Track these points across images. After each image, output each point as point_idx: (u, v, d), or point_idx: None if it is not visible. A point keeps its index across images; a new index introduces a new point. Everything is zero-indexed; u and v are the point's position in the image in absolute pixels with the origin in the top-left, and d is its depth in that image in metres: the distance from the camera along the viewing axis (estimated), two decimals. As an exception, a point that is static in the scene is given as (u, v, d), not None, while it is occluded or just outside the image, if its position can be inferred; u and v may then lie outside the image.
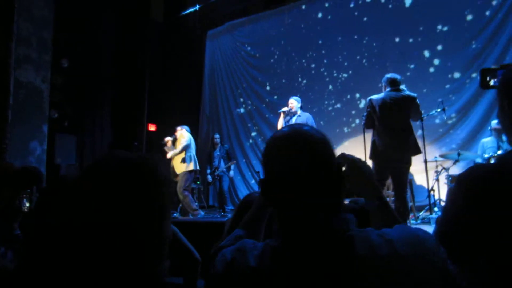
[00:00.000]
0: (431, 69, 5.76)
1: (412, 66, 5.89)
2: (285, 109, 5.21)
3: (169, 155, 5.69)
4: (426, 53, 5.80)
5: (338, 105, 6.70)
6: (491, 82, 1.12)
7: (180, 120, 5.82)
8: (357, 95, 6.44)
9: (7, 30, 4.39)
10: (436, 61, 5.72)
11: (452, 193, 0.99)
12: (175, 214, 5.55)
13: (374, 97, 3.70)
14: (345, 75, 6.66)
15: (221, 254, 0.81)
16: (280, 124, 5.26)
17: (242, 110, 7.98)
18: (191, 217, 5.45)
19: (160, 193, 0.70)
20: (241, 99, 8.01)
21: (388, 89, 3.69)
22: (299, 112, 5.20)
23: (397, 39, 6.08)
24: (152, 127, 7.75)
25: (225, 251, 0.82)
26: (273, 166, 0.80)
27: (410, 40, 5.95)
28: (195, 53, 8.35)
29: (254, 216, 1.08)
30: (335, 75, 6.78)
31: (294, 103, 5.24)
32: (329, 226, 0.73)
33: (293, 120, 5.11)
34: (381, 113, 3.61)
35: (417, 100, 3.65)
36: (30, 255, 0.77)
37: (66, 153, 6.03)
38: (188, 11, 7.91)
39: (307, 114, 5.19)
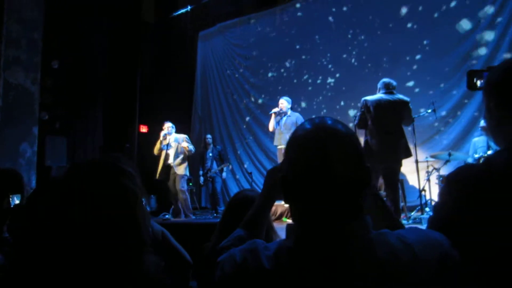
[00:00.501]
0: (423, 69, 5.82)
1: (403, 66, 5.96)
2: (275, 110, 5.31)
3: (171, 153, 5.46)
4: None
5: (329, 105, 6.74)
6: (478, 84, 1.14)
7: (172, 121, 5.78)
8: (347, 95, 6.48)
9: (-4, 32, 4.34)
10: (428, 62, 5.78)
11: (441, 193, 1.00)
12: (167, 216, 5.52)
13: (369, 97, 3.75)
14: (337, 75, 6.70)
15: (229, 255, 0.77)
16: (272, 124, 5.36)
17: (234, 110, 7.98)
18: (183, 218, 5.43)
19: (124, 183, 0.79)
20: (233, 100, 8.01)
21: (382, 91, 3.75)
22: (289, 112, 5.29)
23: (389, 43, 6.12)
24: (143, 129, 7.71)
25: (233, 252, 0.77)
26: (295, 164, 0.76)
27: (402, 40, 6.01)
28: (187, 54, 8.33)
29: (256, 216, 1.05)
30: (328, 74, 6.82)
31: (284, 103, 5.33)
32: (350, 228, 0.71)
33: (283, 121, 5.24)
34: (375, 114, 3.65)
35: (409, 105, 3.73)
36: (19, 255, 0.78)
37: (56, 155, 5.97)
38: (179, 12, 7.89)
39: (296, 114, 5.29)
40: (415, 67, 5.87)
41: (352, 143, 0.75)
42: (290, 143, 0.79)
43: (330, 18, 6.81)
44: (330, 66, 6.81)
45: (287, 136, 4.80)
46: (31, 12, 4.96)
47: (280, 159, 5.05)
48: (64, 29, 6.16)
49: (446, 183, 0.99)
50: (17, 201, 1.63)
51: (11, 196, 1.61)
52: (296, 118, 5.22)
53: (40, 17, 5.09)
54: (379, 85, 3.83)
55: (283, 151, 4.83)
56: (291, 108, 5.41)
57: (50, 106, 5.83)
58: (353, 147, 0.75)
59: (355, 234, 0.70)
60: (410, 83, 5.83)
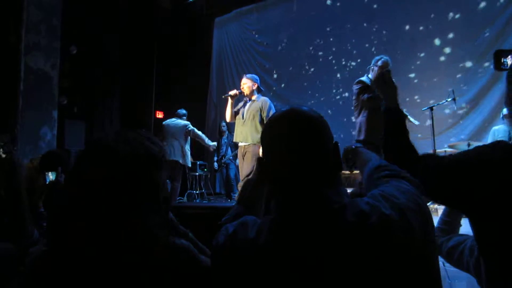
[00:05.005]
0: (442, 58, 5.67)
1: (422, 54, 5.81)
2: (233, 92, 4.12)
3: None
4: (437, 41, 5.71)
5: (346, 94, 6.65)
6: (510, 61, 1.09)
7: (187, 107, 5.81)
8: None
9: (17, 17, 4.42)
10: (447, 50, 5.63)
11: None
12: (181, 200, 5.61)
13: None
14: (353, 63, 6.59)
15: (224, 228, 0.86)
16: (228, 113, 4.18)
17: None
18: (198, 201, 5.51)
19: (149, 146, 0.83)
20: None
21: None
22: (254, 96, 4.04)
23: (407, 27, 5.98)
24: (159, 114, 7.79)
25: (228, 225, 0.86)
26: (270, 144, 0.84)
27: (421, 28, 5.85)
28: (203, 40, 8.31)
29: (252, 193, 1.11)
30: (343, 63, 6.71)
31: (248, 83, 4.06)
32: (322, 197, 0.76)
33: (247, 108, 4.04)
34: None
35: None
36: (54, 228, 0.82)
37: (75, 138, 6.10)
38: (195, -2, 7.85)
39: (263, 99, 4.05)
40: (436, 53, 5.71)
41: (318, 124, 0.82)
42: (265, 126, 0.88)
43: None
44: (343, 58, 6.69)
45: (252, 130, 3.93)
46: (50, -2, 5.02)
47: (248, 158, 3.95)
48: (82, 15, 6.22)
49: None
50: (52, 178, 1.70)
51: (46, 173, 1.69)
52: (262, 104, 3.99)
53: (58, 3, 5.14)
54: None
55: (251, 148, 3.92)
56: (258, 91, 4.13)
57: (68, 90, 5.93)
58: (318, 127, 0.82)
59: (328, 201, 0.75)
60: (429, 72, 5.70)
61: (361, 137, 3.51)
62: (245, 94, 4.07)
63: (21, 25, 4.37)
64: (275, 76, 7.66)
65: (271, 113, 4.01)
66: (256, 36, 7.93)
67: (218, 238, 0.84)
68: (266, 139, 0.86)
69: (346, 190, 0.81)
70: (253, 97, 4.05)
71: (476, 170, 0.93)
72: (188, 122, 5.45)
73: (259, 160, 0.87)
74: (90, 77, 6.55)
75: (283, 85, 7.45)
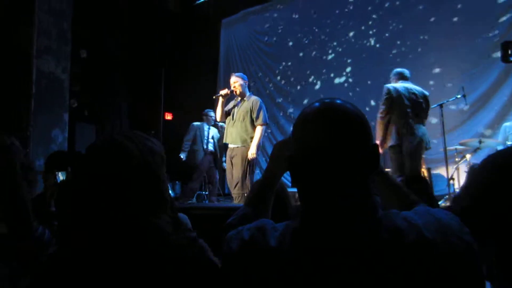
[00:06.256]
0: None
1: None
2: (223, 92, 3.93)
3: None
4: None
5: (350, 94, 6.62)
6: None
7: (196, 108, 5.85)
8: (368, 82, 6.33)
9: (29, 22, 4.50)
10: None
11: (472, 175, 0.98)
12: (192, 200, 5.64)
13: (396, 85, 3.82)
14: (361, 61, 6.56)
15: (237, 232, 0.77)
16: (219, 113, 4.00)
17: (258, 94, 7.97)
18: (207, 202, 5.53)
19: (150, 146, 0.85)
20: (256, 87, 7.99)
21: (402, 81, 3.89)
22: (246, 95, 3.94)
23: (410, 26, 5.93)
24: (168, 116, 7.85)
25: (241, 229, 0.78)
26: (302, 142, 0.75)
27: (432, 19, 5.79)
28: (211, 41, 8.35)
29: (261, 192, 1.03)
30: (349, 61, 6.68)
31: (238, 81, 3.91)
32: (357, 209, 0.69)
33: (238, 108, 3.91)
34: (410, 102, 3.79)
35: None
36: (64, 227, 0.83)
37: (86, 141, 6.17)
38: (202, 0, 7.89)
39: (253, 99, 3.93)
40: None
41: (359, 121, 0.73)
42: (297, 122, 0.78)
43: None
44: (356, 46, 6.64)
45: (242, 132, 3.83)
46: (61, 3, 5.10)
47: (238, 163, 3.84)
48: (91, 18, 6.30)
49: (481, 165, 0.95)
50: (62, 177, 1.73)
51: (57, 172, 1.71)
52: (252, 104, 3.85)
53: (69, 8, 5.23)
54: (393, 76, 4.04)
55: (240, 151, 3.83)
56: (249, 88, 4.04)
57: (78, 94, 6.01)
58: (360, 125, 0.73)
59: (361, 214, 0.68)
60: (437, 70, 5.63)
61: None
62: (236, 93, 3.93)
63: (33, 29, 4.45)
64: (282, 76, 7.64)
65: (261, 114, 3.87)
66: (263, 36, 7.94)
67: (230, 244, 0.76)
68: (298, 135, 0.76)
69: (379, 199, 0.74)
70: (245, 96, 3.94)
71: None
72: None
73: (288, 157, 0.77)
74: (99, 81, 6.63)
75: (290, 86, 7.43)
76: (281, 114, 7.47)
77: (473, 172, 0.99)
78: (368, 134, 0.74)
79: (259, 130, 3.90)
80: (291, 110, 7.30)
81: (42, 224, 1.53)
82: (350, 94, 6.60)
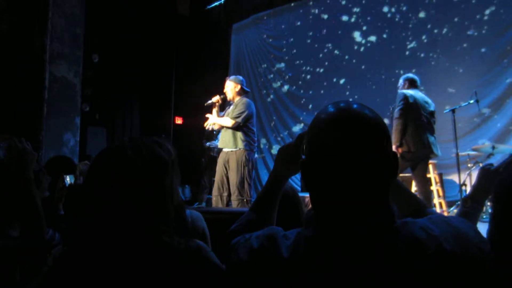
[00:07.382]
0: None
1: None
2: (215, 99, 3.98)
3: None
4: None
5: (356, 96, 6.57)
6: None
7: (206, 113, 5.84)
8: (374, 86, 6.28)
9: (42, 27, 4.57)
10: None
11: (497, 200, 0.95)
12: (203, 204, 5.66)
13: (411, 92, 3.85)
14: (375, 66, 6.51)
15: (244, 240, 0.74)
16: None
17: (267, 103, 7.97)
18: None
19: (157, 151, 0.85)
20: (266, 92, 8.00)
21: (413, 88, 3.94)
22: (236, 99, 3.87)
23: (435, 31, 5.87)
24: (179, 120, 7.90)
25: (248, 236, 0.75)
26: (317, 148, 0.71)
27: (444, 30, 5.74)
28: (221, 46, 8.39)
29: (266, 198, 0.99)
30: (362, 67, 6.64)
31: (230, 85, 3.88)
32: (374, 218, 0.66)
33: (228, 111, 3.93)
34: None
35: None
36: (72, 231, 0.84)
37: (97, 145, 6.24)
38: (213, 5, 7.95)
39: (243, 101, 3.87)
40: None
41: (379, 128, 0.69)
42: (312, 127, 0.74)
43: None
44: (366, 51, 6.61)
45: (231, 136, 3.78)
46: (73, 8, 5.19)
47: (233, 167, 3.76)
48: (103, 24, 6.39)
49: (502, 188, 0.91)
50: (70, 181, 1.75)
51: (65, 176, 1.73)
52: (237, 104, 3.82)
53: (81, 13, 5.31)
54: (403, 81, 4.06)
55: (234, 156, 3.75)
56: (243, 92, 3.99)
57: (90, 98, 6.09)
58: (380, 132, 0.69)
59: (378, 224, 0.65)
60: (450, 76, 5.56)
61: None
62: (228, 98, 3.89)
63: (46, 34, 4.53)
64: (293, 81, 7.63)
65: (238, 112, 3.75)
66: (273, 41, 7.95)
67: (238, 252, 0.73)
68: (313, 141, 0.73)
69: (396, 208, 0.70)
70: (235, 99, 3.90)
71: None
72: None
73: (302, 162, 0.73)
74: (111, 85, 6.71)
75: (302, 91, 7.42)
76: (293, 119, 7.45)
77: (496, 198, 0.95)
78: (387, 142, 0.70)
79: (228, 120, 3.77)
80: (303, 116, 7.27)
81: (51, 227, 1.54)
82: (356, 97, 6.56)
